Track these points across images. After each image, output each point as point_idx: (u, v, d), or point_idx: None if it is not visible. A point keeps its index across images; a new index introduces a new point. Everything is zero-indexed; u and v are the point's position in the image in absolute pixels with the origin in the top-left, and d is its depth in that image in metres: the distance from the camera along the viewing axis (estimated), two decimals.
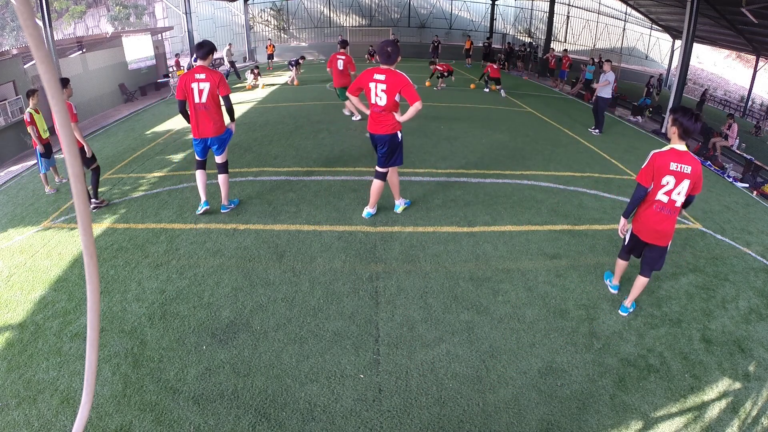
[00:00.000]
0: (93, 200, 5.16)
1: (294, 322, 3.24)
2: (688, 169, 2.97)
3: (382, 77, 3.98)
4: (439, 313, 3.37)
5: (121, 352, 2.96)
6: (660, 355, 3.06)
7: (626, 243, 3.42)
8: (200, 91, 4.24)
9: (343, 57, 8.14)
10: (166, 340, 3.06)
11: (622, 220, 3.31)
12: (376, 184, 4.51)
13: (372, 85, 4.02)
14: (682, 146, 3.04)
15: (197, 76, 4.23)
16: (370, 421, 2.51)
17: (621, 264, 3.58)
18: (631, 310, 3.45)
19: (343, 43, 8.46)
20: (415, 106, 3.99)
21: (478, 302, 3.51)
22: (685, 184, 2.99)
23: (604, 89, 8.65)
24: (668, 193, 3.04)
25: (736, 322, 3.47)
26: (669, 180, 3.00)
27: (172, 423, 2.46)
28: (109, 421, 2.46)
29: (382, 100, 4.03)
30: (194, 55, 4.30)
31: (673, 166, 2.98)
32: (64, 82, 4.91)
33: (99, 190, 5.45)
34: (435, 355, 2.97)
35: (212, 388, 2.68)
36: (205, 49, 4.26)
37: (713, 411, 2.67)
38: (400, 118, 4.16)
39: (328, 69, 8.28)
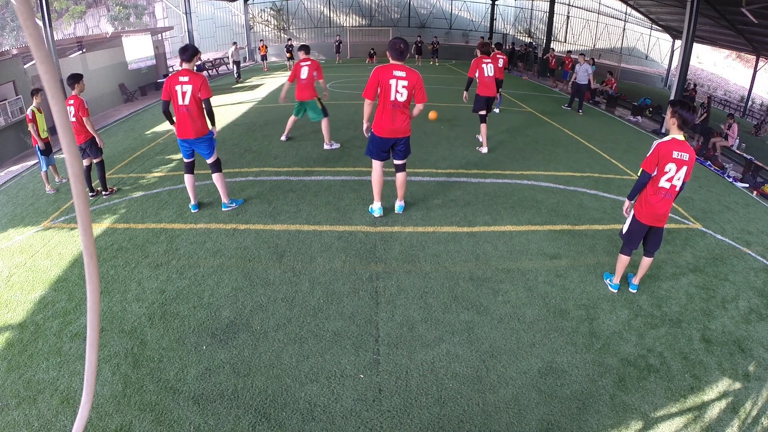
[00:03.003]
0: (104, 193, 5.41)
1: (294, 322, 3.24)
2: (686, 156, 3.24)
3: (402, 74, 4.07)
4: (439, 313, 3.37)
5: (121, 352, 2.96)
6: (660, 355, 3.06)
7: (627, 230, 3.57)
8: (183, 93, 4.32)
9: (309, 63, 6.51)
10: (166, 340, 3.06)
11: (627, 201, 3.56)
12: (403, 176, 4.61)
13: (393, 81, 4.06)
14: (680, 136, 3.29)
15: (181, 78, 4.31)
16: (370, 421, 2.51)
17: (623, 260, 3.65)
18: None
19: (306, 49, 6.75)
20: (421, 106, 4.28)
21: (478, 302, 3.51)
22: (683, 171, 3.26)
23: (582, 76, 10.55)
24: (670, 179, 3.28)
25: (736, 322, 3.47)
26: (671, 167, 3.24)
27: (172, 423, 2.46)
28: (109, 421, 2.46)
29: (402, 96, 4.12)
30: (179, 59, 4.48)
31: (675, 154, 3.23)
32: (77, 78, 5.03)
33: (99, 189, 5.50)
34: (435, 355, 2.97)
35: (212, 388, 2.68)
36: (189, 52, 4.37)
37: (713, 411, 2.67)
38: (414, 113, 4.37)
39: (289, 82, 6.70)
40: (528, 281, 3.79)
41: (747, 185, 6.84)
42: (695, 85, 18.73)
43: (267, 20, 24.51)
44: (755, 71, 17.23)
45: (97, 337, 0.71)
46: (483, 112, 6.87)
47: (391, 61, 4.12)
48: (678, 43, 18.07)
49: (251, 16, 22.86)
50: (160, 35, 17.59)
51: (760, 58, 16.61)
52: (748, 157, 7.89)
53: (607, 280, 3.81)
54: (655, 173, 3.30)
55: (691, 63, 11.26)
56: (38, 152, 5.58)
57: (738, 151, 8.69)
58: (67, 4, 30.51)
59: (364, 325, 3.23)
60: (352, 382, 2.75)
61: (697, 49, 18.21)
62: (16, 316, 3.32)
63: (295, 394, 2.65)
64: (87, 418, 0.76)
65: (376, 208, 4.72)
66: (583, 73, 10.54)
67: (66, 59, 10.84)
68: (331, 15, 24.87)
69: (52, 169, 5.82)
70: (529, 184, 5.85)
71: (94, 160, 5.26)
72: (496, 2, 22.90)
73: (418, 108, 4.28)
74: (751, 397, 2.78)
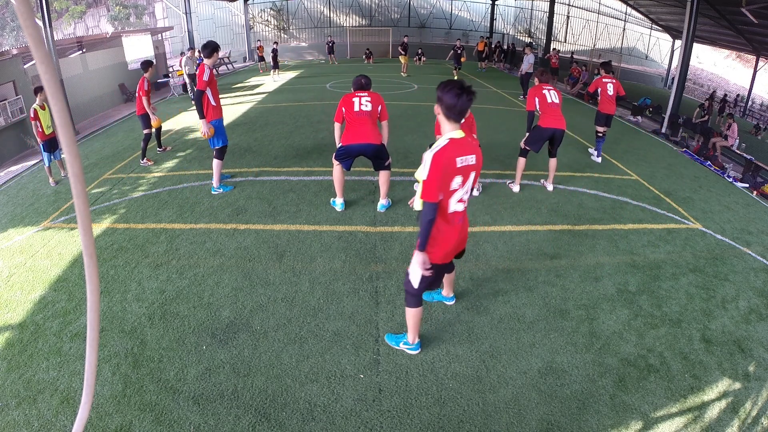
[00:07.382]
0: (141, 162, 6.49)
1: (294, 322, 3.24)
2: (472, 159, 2.37)
3: (365, 94, 4.47)
4: (439, 313, 3.37)
5: (121, 352, 2.96)
6: (660, 355, 3.06)
7: (420, 280, 2.51)
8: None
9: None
10: (166, 340, 3.06)
11: (421, 255, 2.41)
12: (385, 174, 4.77)
13: (356, 99, 4.44)
14: (457, 133, 2.35)
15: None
16: (370, 421, 2.51)
17: (418, 313, 2.79)
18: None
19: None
20: (386, 124, 4.65)
21: (478, 302, 3.51)
22: (471, 179, 2.41)
23: (525, 66, 11.69)
24: (461, 199, 2.44)
25: (736, 322, 3.47)
26: (458, 180, 2.35)
27: (172, 423, 2.46)
28: (109, 421, 2.46)
29: (367, 107, 4.44)
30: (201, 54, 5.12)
31: (459, 161, 2.31)
32: (149, 64, 6.58)
33: (99, 189, 5.53)
34: (435, 355, 2.97)
35: (212, 388, 2.68)
36: (209, 48, 4.91)
37: (713, 411, 2.67)
38: None
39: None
40: (528, 281, 3.79)
41: (747, 185, 6.84)
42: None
43: (267, 20, 24.51)
44: (755, 71, 17.23)
45: (97, 337, 0.71)
46: (534, 147, 5.48)
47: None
48: (678, 43, 18.07)
49: (251, 16, 22.87)
50: (160, 35, 17.57)
51: (760, 58, 16.62)
52: (748, 157, 7.89)
53: (402, 345, 2.95)
54: (441, 198, 2.34)
55: (691, 63, 11.27)
56: (42, 149, 5.73)
57: (738, 151, 8.70)
58: (67, 4, 30.50)
59: (364, 325, 3.23)
60: (352, 382, 2.75)
61: (697, 49, 18.20)
62: (16, 316, 3.32)
63: (295, 394, 2.65)
64: (87, 418, 0.76)
65: (338, 202, 4.94)
66: (526, 63, 11.65)
67: (66, 59, 10.83)
68: (331, 15, 24.88)
69: (57, 164, 6.03)
70: (529, 184, 5.85)
71: (143, 131, 6.48)
72: (496, 2, 22.91)
73: (384, 126, 4.56)
74: (751, 397, 2.78)
